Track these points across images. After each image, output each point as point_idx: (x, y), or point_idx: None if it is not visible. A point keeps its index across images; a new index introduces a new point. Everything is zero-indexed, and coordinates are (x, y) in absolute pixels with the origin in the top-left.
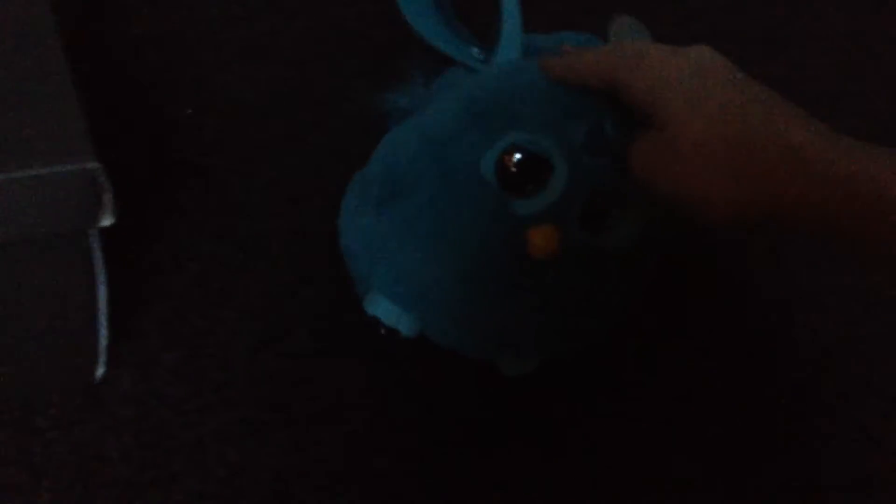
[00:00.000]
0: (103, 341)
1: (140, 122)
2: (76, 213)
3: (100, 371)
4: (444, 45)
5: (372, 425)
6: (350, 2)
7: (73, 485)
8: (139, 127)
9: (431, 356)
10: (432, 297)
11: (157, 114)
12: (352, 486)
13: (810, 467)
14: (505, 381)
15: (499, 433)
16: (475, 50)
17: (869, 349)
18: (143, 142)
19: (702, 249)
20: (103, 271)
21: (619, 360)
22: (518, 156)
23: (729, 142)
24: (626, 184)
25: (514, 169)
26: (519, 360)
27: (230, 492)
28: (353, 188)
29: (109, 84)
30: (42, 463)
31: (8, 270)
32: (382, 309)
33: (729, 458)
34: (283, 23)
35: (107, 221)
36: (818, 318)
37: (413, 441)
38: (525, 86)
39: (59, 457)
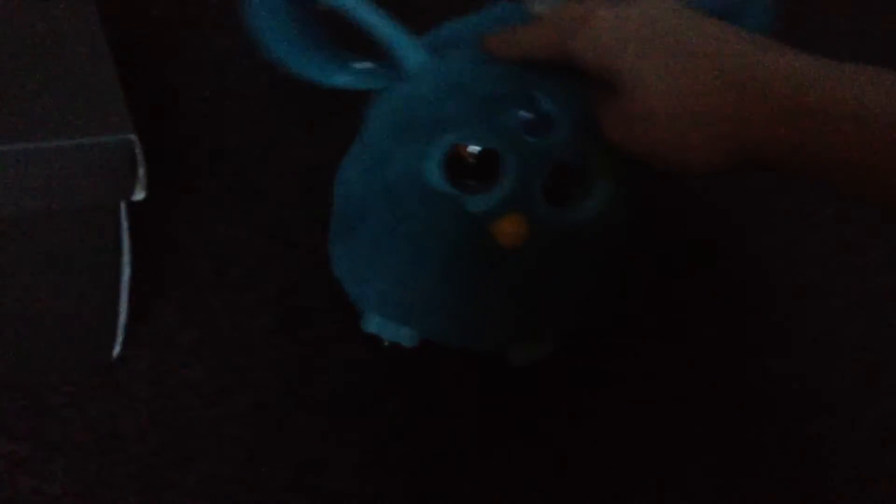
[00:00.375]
0: (123, 319)
1: (159, 106)
2: (111, 185)
3: (117, 350)
4: (316, 72)
5: (390, 416)
6: None
7: (88, 463)
8: (158, 111)
9: (435, 355)
10: (420, 311)
11: (175, 98)
12: (372, 473)
13: (810, 467)
14: (505, 382)
15: (499, 433)
16: (365, 64)
17: (871, 347)
18: (161, 125)
19: (702, 249)
20: (129, 247)
21: (620, 361)
22: (475, 148)
23: (696, 94)
24: (584, 152)
25: (471, 160)
26: (525, 348)
27: (246, 475)
28: (332, 219)
29: (128, 68)
30: (57, 441)
31: (36, 242)
32: (379, 327)
33: (729, 458)
34: None
35: (140, 195)
36: (820, 318)
37: (414, 437)
38: (445, 86)
39: (75, 435)
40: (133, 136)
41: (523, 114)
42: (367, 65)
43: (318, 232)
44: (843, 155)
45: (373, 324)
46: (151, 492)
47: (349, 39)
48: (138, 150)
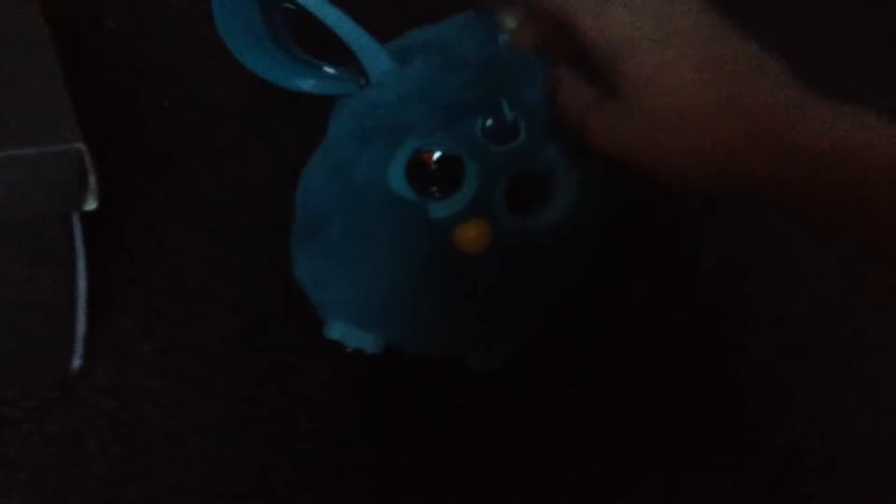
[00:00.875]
0: (81, 331)
1: (112, 116)
2: (61, 195)
3: (76, 362)
4: (286, 78)
5: (353, 420)
6: None
7: (48, 478)
8: (111, 122)
9: (401, 359)
10: (382, 316)
11: (129, 108)
12: (332, 482)
13: (811, 467)
14: (505, 382)
15: (498, 433)
16: (331, 70)
17: (876, 347)
18: (115, 136)
19: (703, 249)
20: (84, 258)
21: (620, 361)
22: (437, 154)
23: (697, 115)
24: (546, 159)
25: (434, 167)
26: (486, 354)
27: (209, 486)
28: (294, 225)
29: (82, 79)
30: (16, 456)
31: None
32: (342, 333)
33: (729, 458)
34: None
35: (91, 205)
36: (822, 317)
37: (403, 438)
38: (410, 92)
39: (35, 450)
40: (82, 146)
41: (487, 121)
42: (333, 70)
43: (276, 240)
44: (832, 196)
45: (336, 330)
46: None
47: (314, 44)
48: (88, 160)
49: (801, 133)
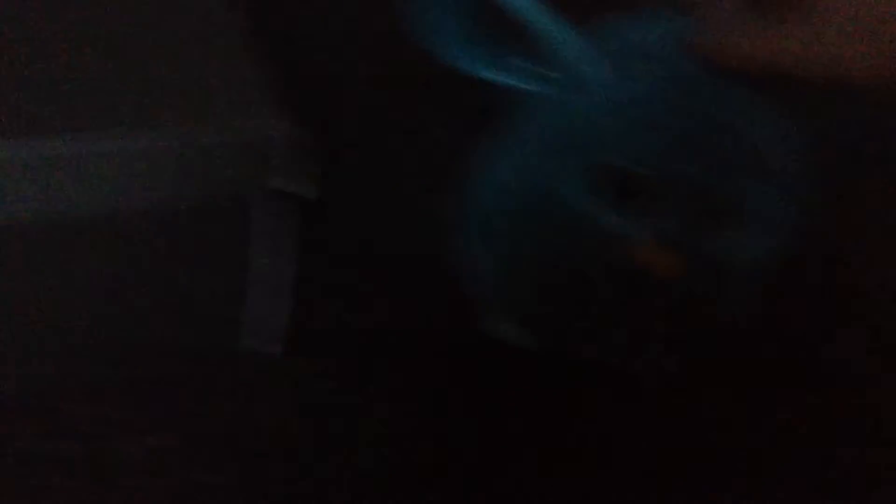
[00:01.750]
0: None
1: None
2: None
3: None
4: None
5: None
6: None
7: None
8: None
9: (432, 356)
10: (551, 328)
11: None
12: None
13: (812, 468)
14: (506, 381)
15: (498, 433)
16: (522, 63)
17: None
18: None
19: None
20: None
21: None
22: (628, 168)
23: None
24: (742, 184)
25: (623, 182)
26: (649, 363)
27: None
28: (464, 219)
29: None
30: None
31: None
32: (503, 331)
33: (730, 458)
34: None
35: (312, 194)
36: (823, 316)
37: (412, 438)
38: (604, 101)
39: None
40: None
41: (683, 139)
42: (524, 63)
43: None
44: None
45: (496, 329)
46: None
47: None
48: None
49: None
